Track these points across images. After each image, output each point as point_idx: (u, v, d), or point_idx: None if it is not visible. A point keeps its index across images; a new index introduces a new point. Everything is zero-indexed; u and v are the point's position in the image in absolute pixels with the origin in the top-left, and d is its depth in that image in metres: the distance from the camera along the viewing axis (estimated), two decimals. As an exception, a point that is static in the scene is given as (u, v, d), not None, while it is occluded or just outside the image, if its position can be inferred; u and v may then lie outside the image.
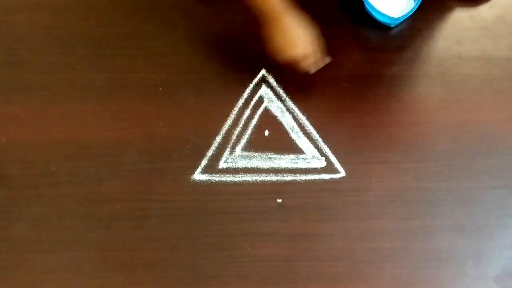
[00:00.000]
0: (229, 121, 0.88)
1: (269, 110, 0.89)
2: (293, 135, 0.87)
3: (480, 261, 0.80)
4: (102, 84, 0.90)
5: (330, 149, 0.86)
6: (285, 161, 0.86)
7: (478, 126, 0.88)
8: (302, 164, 0.86)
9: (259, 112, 0.89)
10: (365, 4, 0.90)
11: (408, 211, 0.83)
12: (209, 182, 0.84)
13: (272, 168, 0.85)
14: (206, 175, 0.85)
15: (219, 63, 0.91)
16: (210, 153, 0.86)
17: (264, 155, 0.86)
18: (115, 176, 0.85)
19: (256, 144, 0.87)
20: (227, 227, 0.82)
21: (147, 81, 0.90)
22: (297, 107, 0.89)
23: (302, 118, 0.88)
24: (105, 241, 0.81)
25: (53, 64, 0.92)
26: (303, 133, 0.87)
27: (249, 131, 0.88)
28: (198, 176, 0.85)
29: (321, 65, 0.86)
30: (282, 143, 0.87)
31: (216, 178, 0.85)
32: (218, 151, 0.86)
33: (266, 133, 0.88)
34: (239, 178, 0.85)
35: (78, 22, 0.95)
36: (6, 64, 0.92)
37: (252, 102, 0.89)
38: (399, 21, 0.92)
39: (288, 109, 0.89)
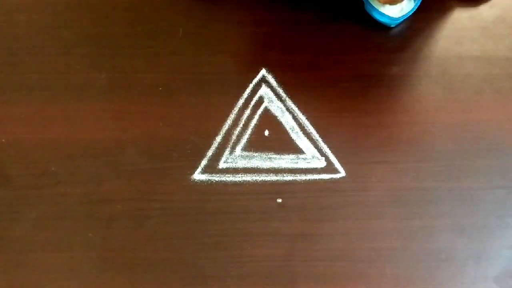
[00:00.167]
0: (229, 121, 0.88)
1: (269, 110, 0.89)
2: (293, 135, 0.87)
3: (480, 261, 0.80)
4: (102, 84, 0.90)
5: (330, 149, 0.86)
6: (285, 161, 0.86)
7: (478, 126, 0.88)
8: (302, 164, 0.86)
9: (259, 112, 0.89)
10: (365, 4, 0.90)
11: (408, 211, 0.83)
12: (209, 182, 0.84)
13: (272, 168, 0.85)
14: (206, 175, 0.85)
15: (219, 63, 0.91)
16: (210, 153, 0.86)
17: (264, 155, 0.86)
18: (115, 176, 0.85)
19: (256, 144, 0.87)
20: (227, 227, 0.82)
21: (147, 81, 0.90)
22: (297, 107, 0.89)
23: (302, 118, 0.88)
24: (105, 241, 0.81)
25: (53, 64, 0.92)
26: (303, 133, 0.87)
27: (249, 131, 0.88)
28: (198, 176, 0.85)
29: None
30: (282, 143, 0.87)
31: (216, 178, 0.85)
32: (218, 151, 0.86)
33: (266, 133, 0.88)
34: (239, 178, 0.85)
35: (78, 22, 0.95)
36: (6, 64, 0.92)
37: (252, 102, 0.89)
38: (399, 21, 0.92)
39: (288, 109, 0.89)
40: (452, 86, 0.90)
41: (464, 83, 0.90)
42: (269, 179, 0.85)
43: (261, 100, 0.90)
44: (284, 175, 0.85)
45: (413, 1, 0.93)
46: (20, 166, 0.86)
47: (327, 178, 0.85)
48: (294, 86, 0.90)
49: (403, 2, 0.92)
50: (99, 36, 0.94)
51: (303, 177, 0.85)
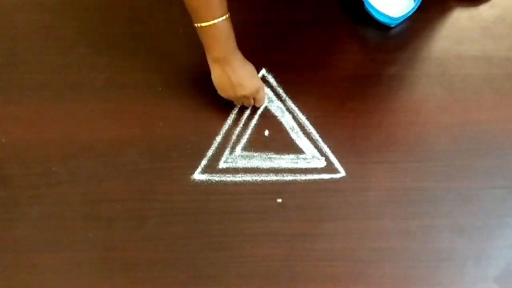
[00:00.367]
0: (229, 121, 0.88)
1: (269, 110, 0.89)
2: (293, 135, 0.87)
3: (480, 261, 0.80)
4: (102, 84, 0.90)
5: (330, 149, 0.86)
6: (285, 161, 0.86)
7: (478, 126, 0.88)
8: (302, 164, 0.86)
9: (259, 112, 0.89)
10: (365, 4, 0.90)
11: (408, 211, 0.83)
12: (209, 182, 0.84)
13: (272, 168, 0.85)
14: (206, 175, 0.85)
15: (219, 63, 0.91)
16: (210, 153, 0.86)
17: (264, 155, 0.86)
18: (115, 176, 0.85)
19: (256, 144, 0.87)
20: (227, 227, 0.82)
21: (147, 81, 0.90)
22: (297, 107, 0.89)
23: (302, 118, 0.88)
24: (105, 241, 0.81)
25: (53, 64, 0.92)
26: (303, 133, 0.87)
27: (249, 131, 0.88)
28: (198, 176, 0.85)
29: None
30: (282, 143, 0.87)
31: (216, 178, 0.85)
32: (218, 151, 0.86)
33: (266, 133, 0.88)
34: (239, 178, 0.85)
35: (78, 22, 0.95)
36: (6, 64, 0.92)
37: (252, 102, 0.89)
38: (399, 21, 0.92)
39: (288, 109, 0.89)
40: (452, 86, 0.90)
41: (464, 83, 0.90)
42: (269, 179, 0.85)
43: (261, 100, 0.90)
44: (284, 175, 0.85)
45: (413, 1, 0.93)
46: (20, 166, 0.86)
47: (327, 178, 0.85)
48: (294, 86, 0.90)
49: (403, 2, 0.92)
50: (99, 36, 0.94)
51: (303, 177, 0.85)
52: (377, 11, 0.90)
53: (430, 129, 0.87)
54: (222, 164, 0.86)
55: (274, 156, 0.86)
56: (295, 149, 0.87)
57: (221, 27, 0.74)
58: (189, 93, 0.89)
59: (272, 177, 0.85)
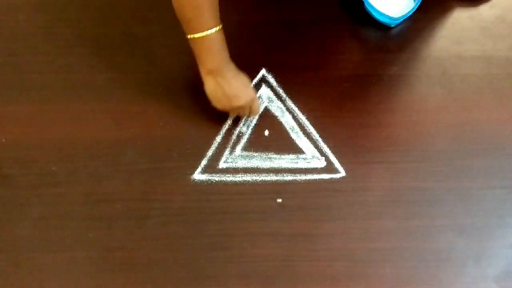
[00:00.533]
0: (229, 121, 0.88)
1: (269, 110, 0.89)
2: (293, 135, 0.87)
3: (480, 261, 0.80)
4: (102, 84, 0.90)
5: (330, 149, 0.86)
6: (285, 161, 0.86)
7: (478, 126, 0.88)
8: (302, 164, 0.86)
9: (259, 112, 0.89)
10: (365, 4, 0.90)
11: (408, 211, 0.83)
12: (209, 182, 0.84)
13: (272, 168, 0.85)
14: (206, 175, 0.85)
15: (219, 63, 0.91)
16: (210, 153, 0.86)
17: (264, 155, 0.86)
18: (115, 176, 0.85)
19: (256, 144, 0.87)
20: (227, 227, 0.82)
21: (147, 81, 0.90)
22: (297, 107, 0.89)
23: (302, 118, 0.88)
24: (105, 241, 0.81)
25: (53, 64, 0.92)
26: (303, 133, 0.87)
27: (249, 131, 0.88)
28: (198, 176, 0.85)
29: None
30: (282, 143, 0.87)
31: (216, 178, 0.85)
32: (218, 151, 0.86)
33: (266, 133, 0.88)
34: (239, 178, 0.85)
35: (78, 22, 0.95)
36: (6, 64, 0.92)
37: (252, 102, 0.89)
38: (399, 21, 0.92)
39: (288, 109, 0.89)
40: (452, 86, 0.90)
41: (464, 83, 0.90)
42: (269, 179, 0.85)
43: (261, 100, 0.89)
44: (284, 175, 0.85)
45: (413, 1, 0.93)
46: (20, 166, 0.86)
47: (327, 178, 0.85)
48: (294, 86, 0.90)
49: (403, 2, 0.93)
50: (99, 36, 0.94)
51: (303, 177, 0.85)
52: (377, 11, 0.90)
53: (430, 129, 0.87)
54: (222, 164, 0.86)
55: (274, 156, 0.86)
56: (295, 149, 0.87)
57: (213, 39, 0.73)
58: (189, 93, 0.89)
59: (272, 177, 0.85)
